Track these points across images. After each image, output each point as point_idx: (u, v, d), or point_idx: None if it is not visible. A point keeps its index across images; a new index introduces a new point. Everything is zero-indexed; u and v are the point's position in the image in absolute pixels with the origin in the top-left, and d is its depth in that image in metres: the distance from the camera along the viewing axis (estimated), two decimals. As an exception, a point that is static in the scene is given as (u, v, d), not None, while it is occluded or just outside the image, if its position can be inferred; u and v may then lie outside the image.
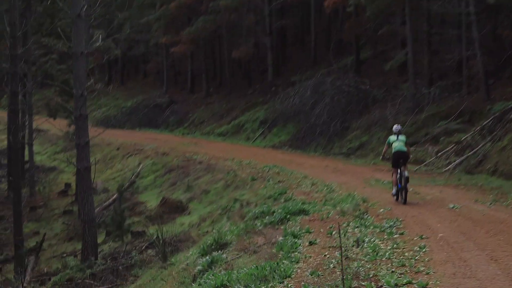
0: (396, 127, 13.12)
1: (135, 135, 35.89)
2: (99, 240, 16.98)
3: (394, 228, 9.58)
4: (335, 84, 28.70)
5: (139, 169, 25.80)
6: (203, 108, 40.70)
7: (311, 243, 8.83)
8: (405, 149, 12.76)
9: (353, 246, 8.41)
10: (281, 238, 9.37)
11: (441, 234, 8.91)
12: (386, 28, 27.43)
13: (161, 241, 12.08)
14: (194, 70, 45.68)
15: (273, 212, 11.75)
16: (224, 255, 9.09)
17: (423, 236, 8.78)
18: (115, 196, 23.25)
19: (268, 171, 20.40)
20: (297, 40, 45.47)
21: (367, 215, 10.75)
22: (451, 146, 19.24)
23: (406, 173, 12.32)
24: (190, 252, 11.07)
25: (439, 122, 21.11)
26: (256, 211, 12.22)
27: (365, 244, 8.37)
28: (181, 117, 41.25)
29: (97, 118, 44.20)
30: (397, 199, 12.63)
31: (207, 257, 9.13)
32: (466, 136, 19.17)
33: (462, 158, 18.20)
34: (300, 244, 8.84)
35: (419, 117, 22.02)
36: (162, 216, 18.94)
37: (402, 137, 12.96)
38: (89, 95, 51.82)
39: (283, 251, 8.43)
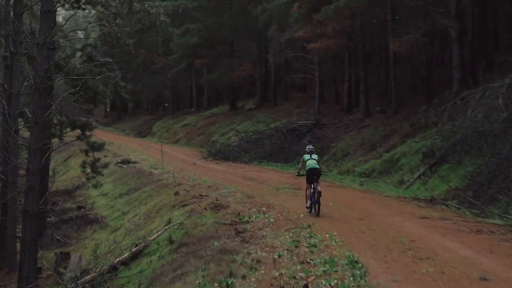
0: (309, 147, 15.47)
1: (233, 172, 25.33)
2: None
3: None
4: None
5: (150, 238, 15.06)
6: (353, 134, 28.48)
7: None
8: (317, 166, 14.59)
9: None
10: None
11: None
12: None
13: None
14: (355, 81, 33.66)
15: None
16: None
17: None
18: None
19: None
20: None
21: None
22: None
23: (318, 188, 14.11)
24: None
25: None
26: None
27: None
28: (322, 146, 29.51)
29: (214, 147, 34.90)
30: (310, 211, 14.41)
31: None
32: None
33: None
34: None
35: None
36: None
37: (315, 156, 14.87)
38: (232, 119, 43.05)
39: None
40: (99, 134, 50.98)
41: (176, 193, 20.19)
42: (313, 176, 14.35)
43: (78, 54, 20.32)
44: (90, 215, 23.07)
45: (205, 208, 16.43)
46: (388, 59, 29.98)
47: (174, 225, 15.22)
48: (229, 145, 33.43)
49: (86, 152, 18.58)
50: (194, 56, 47.75)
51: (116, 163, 30.10)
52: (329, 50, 30.44)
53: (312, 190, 14.25)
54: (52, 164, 39.42)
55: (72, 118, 17.31)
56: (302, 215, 14.22)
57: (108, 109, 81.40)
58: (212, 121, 46.54)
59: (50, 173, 35.75)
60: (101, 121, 75.15)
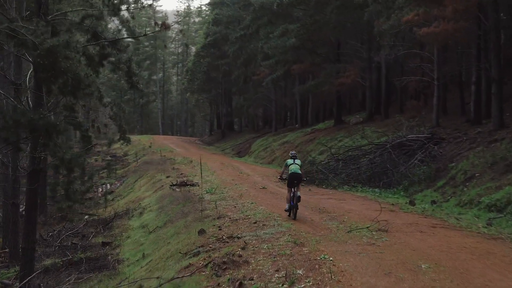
0: (292, 152, 15.87)
1: (305, 201, 18.53)
2: None
3: None
4: None
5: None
6: (480, 151, 20.62)
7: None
8: (299, 172, 14.81)
9: None
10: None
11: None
12: None
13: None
14: (486, 83, 25.61)
15: None
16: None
17: None
18: None
19: None
20: None
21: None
22: None
23: (298, 193, 14.50)
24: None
25: None
26: None
27: None
28: (438, 166, 21.96)
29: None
30: (289, 214, 14.84)
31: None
32: None
33: None
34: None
35: None
36: None
37: (297, 161, 15.08)
38: (334, 135, 36.06)
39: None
40: (190, 154, 46.32)
41: (201, 232, 13.96)
42: (293, 180, 14.70)
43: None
44: (108, 256, 17.41)
45: (207, 265, 10.01)
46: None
47: None
48: (314, 164, 26.63)
49: (56, 168, 12.84)
50: (293, 62, 41.50)
51: (170, 185, 24.50)
52: (448, 38, 22.79)
53: (292, 194, 14.65)
54: (120, 187, 35.05)
55: (32, 116, 11.60)
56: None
57: (215, 127, 77.56)
58: (312, 137, 39.94)
59: (109, 197, 31.26)
60: (205, 140, 71.24)
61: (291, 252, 10.59)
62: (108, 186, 35.02)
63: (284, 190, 22.07)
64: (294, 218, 14.40)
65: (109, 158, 51.30)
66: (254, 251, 10.99)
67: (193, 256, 11.86)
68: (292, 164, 14.86)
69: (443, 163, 22.07)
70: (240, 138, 62.40)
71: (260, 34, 47.47)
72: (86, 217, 25.01)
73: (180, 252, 12.71)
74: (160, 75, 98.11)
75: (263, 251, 10.92)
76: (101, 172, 44.03)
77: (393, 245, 11.04)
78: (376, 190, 21.84)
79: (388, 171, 23.21)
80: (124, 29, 23.12)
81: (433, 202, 18.71)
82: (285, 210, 14.99)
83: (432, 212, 16.44)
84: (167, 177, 28.25)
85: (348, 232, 12.55)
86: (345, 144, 31.79)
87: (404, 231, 12.62)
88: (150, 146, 50.70)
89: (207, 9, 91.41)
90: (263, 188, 22.65)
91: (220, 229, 14.07)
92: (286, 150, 41.56)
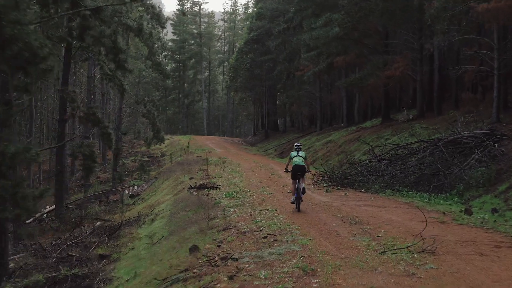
0: (297, 144, 15.49)
1: (337, 208, 15.47)
2: None
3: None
4: None
5: None
6: (553, 148, 16.98)
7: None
8: (303, 163, 14.86)
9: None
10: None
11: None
12: None
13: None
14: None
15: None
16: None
17: None
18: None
19: None
20: None
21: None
22: None
23: (302, 185, 14.72)
24: None
25: None
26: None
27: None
28: (500, 167, 18.44)
29: (339, 169, 25.09)
30: (296, 207, 14.83)
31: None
32: None
33: None
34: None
35: None
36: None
37: (301, 153, 15.10)
38: (380, 133, 32.35)
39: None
40: (229, 154, 43.73)
41: (193, 250, 11.05)
42: (297, 172, 14.72)
43: None
44: (100, 273, 14.72)
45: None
46: None
47: None
48: (353, 164, 23.37)
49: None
50: (337, 54, 38.17)
51: (189, 188, 21.80)
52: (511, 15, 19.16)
53: (296, 186, 14.69)
54: (146, 189, 32.58)
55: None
56: None
57: (259, 127, 74.77)
58: (356, 136, 36.54)
59: (130, 200, 28.79)
60: (249, 140, 68.56)
61: (295, 285, 7.59)
62: (136, 188, 32.65)
63: (314, 195, 19.07)
64: (299, 210, 14.64)
65: (145, 158, 49.31)
66: (244, 282, 8.02)
67: (170, 285, 8.99)
68: (296, 156, 14.98)
69: (506, 163, 18.50)
70: (284, 138, 59.47)
71: (304, 27, 44.50)
72: (99, 223, 22.56)
73: (156, 278, 9.85)
74: (206, 74, 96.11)
75: (257, 282, 7.93)
76: (134, 174, 41.94)
77: (441, 276, 7.82)
78: (425, 195, 18.44)
79: (440, 172, 19.77)
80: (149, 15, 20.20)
81: (494, 210, 15.32)
82: (291, 203, 15.14)
83: (494, 224, 13.03)
84: (190, 178, 25.60)
85: (380, 253, 9.38)
86: (391, 143, 28.37)
87: (457, 253, 9.36)
88: (187, 147, 48.44)
89: (252, 3, 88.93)
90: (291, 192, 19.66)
91: (219, 246, 11.14)
92: (329, 150, 38.42)
